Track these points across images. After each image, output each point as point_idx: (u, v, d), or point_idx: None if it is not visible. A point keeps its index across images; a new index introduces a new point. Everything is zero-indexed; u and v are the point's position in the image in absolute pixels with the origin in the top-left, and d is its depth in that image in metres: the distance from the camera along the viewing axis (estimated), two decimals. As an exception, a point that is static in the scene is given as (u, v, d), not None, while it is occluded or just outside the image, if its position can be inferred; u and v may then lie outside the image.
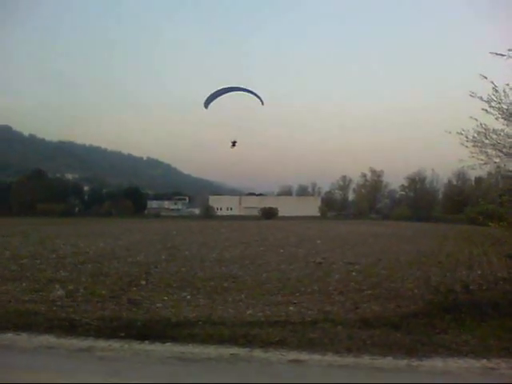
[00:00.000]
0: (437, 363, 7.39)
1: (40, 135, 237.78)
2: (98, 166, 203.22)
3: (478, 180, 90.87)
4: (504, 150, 11.89)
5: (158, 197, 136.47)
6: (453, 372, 7.10)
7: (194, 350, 8.03)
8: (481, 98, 11.72)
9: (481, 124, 11.86)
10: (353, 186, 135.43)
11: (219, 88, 16.67)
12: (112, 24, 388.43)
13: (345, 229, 54.25)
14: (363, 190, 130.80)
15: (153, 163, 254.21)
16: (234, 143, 18.10)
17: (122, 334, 8.77)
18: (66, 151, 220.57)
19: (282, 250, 26.12)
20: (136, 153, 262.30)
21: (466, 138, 11.98)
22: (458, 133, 12.04)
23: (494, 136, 11.87)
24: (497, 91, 11.58)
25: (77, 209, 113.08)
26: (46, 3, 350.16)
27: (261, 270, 17.89)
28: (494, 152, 11.99)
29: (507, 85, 11.44)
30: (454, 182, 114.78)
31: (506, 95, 11.57)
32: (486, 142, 11.93)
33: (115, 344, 8.31)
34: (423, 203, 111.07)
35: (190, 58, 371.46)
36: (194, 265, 19.23)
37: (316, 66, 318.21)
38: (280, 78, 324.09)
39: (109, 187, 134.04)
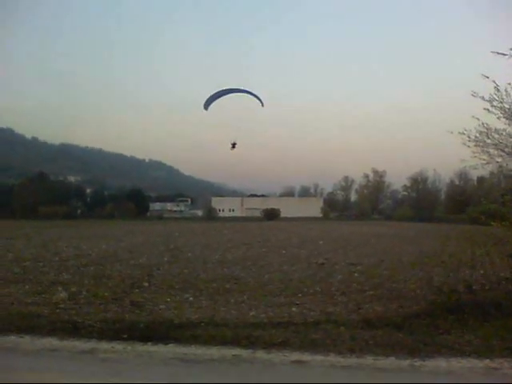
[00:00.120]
0: (440, 363, 7.38)
1: (42, 138, 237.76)
2: (101, 168, 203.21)
3: (480, 180, 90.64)
4: (506, 149, 11.87)
5: (161, 199, 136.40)
6: (456, 372, 7.09)
7: (197, 351, 8.03)
8: (482, 98, 11.70)
9: (483, 123, 11.84)
10: (355, 186, 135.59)
11: (219, 90, 16.67)
12: (112, 24, 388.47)
13: (347, 229, 54.23)
14: (365, 191, 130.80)
15: (155, 165, 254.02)
16: (233, 145, 18.03)
17: (125, 336, 8.78)
18: (68, 154, 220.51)
19: (284, 251, 26.13)
20: (138, 155, 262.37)
21: (468, 137, 11.96)
22: (459, 132, 12.02)
23: (496, 135, 11.86)
24: (498, 90, 11.56)
25: (79, 211, 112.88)
26: (47, 3, 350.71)
27: (263, 272, 17.89)
28: (496, 152, 11.98)
29: (509, 84, 11.42)
30: (456, 182, 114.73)
31: (508, 94, 11.55)
32: (488, 141, 11.91)
33: (118, 346, 8.31)
34: (425, 203, 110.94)
35: (190, 58, 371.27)
36: (197, 266, 19.25)
37: (316, 66, 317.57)
38: (280, 78, 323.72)
39: (111, 189, 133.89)
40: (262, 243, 32.49)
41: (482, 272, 17.50)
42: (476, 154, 12.04)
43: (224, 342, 8.39)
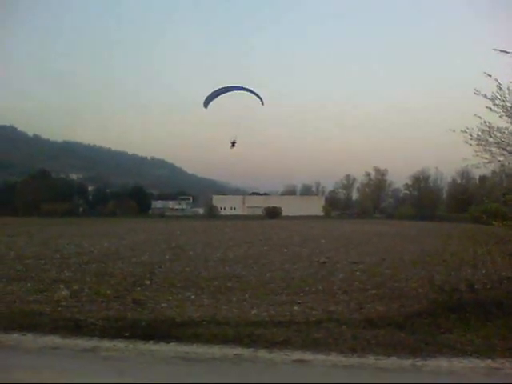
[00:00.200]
0: (441, 363, 7.37)
1: (44, 135, 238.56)
2: (103, 166, 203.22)
3: (482, 179, 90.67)
4: (508, 148, 11.86)
5: (163, 197, 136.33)
6: (457, 372, 7.08)
7: (199, 349, 8.03)
8: (485, 96, 11.70)
9: (485, 122, 11.83)
10: (357, 185, 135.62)
11: (218, 87, 16.65)
12: (112, 24, 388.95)
13: (349, 228, 54.23)
14: (367, 189, 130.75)
15: (157, 163, 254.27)
16: (233, 143, 17.96)
17: (127, 334, 8.78)
18: (71, 151, 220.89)
19: (285, 250, 26.13)
20: (140, 152, 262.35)
21: (470, 136, 11.96)
22: (462, 131, 12.02)
23: (499, 134, 11.84)
24: (501, 89, 11.55)
25: (81, 209, 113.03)
26: (47, 3, 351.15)
27: (265, 270, 17.89)
28: (498, 150, 11.97)
29: (511, 82, 11.42)
30: (458, 181, 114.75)
31: (511, 93, 11.54)
32: (490, 140, 11.90)
33: (120, 344, 8.32)
34: (427, 202, 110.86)
35: (190, 58, 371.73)
36: (198, 264, 19.25)
37: (316, 66, 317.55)
38: (280, 78, 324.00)
39: (113, 187, 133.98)
40: (264, 241, 32.51)
41: (483, 271, 17.47)
42: (478, 153, 12.04)
43: (226, 341, 8.39)
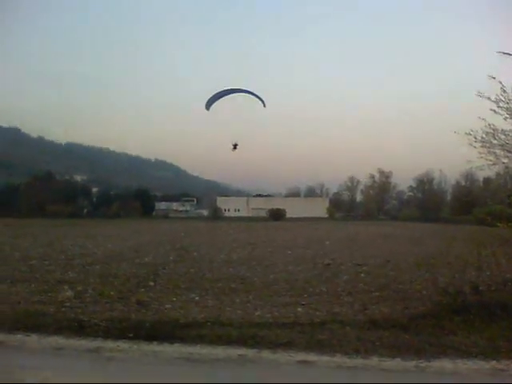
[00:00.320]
0: (445, 364, 7.37)
1: (48, 137, 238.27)
2: (107, 168, 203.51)
3: (487, 181, 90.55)
4: (513, 150, 11.85)
5: (167, 198, 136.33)
6: (462, 373, 7.08)
7: (202, 350, 8.05)
8: (489, 99, 11.69)
9: (489, 124, 11.83)
10: (361, 187, 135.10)
11: (221, 90, 16.66)
12: (116, 24, 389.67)
13: (353, 230, 54.14)
14: (371, 191, 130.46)
15: (161, 165, 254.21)
16: (235, 146, 17.87)
17: (131, 335, 8.80)
18: (75, 153, 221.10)
19: (289, 252, 26.09)
20: (144, 154, 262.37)
21: (475, 138, 11.95)
22: (466, 133, 12.01)
23: (503, 136, 11.83)
24: (505, 91, 11.54)
25: (85, 210, 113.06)
26: (50, 3, 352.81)
27: (269, 271, 17.88)
28: (502, 152, 11.96)
29: (516, 85, 11.41)
30: (463, 183, 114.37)
31: (515, 95, 11.53)
32: (495, 142, 11.89)
33: (124, 345, 8.34)
34: (431, 204, 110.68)
35: (191, 58, 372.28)
36: (202, 266, 19.26)
37: (317, 66, 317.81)
38: (280, 78, 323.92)
39: (117, 189, 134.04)
40: (268, 243, 32.48)
41: (488, 273, 17.43)
42: (482, 155, 12.03)
43: (229, 342, 8.41)
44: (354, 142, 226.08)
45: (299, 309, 11.46)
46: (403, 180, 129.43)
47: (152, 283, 15.00)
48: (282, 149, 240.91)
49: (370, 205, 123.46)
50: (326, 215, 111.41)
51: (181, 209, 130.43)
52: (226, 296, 13.13)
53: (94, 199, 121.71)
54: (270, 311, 11.15)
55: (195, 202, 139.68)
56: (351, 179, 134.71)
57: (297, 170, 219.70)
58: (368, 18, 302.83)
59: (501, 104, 11.61)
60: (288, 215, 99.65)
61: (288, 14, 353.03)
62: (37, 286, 14.37)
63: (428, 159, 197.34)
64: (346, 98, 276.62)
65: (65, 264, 19.36)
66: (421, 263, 20.60)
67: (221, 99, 16.66)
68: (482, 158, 12.04)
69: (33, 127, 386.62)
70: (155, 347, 8.25)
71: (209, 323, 9.69)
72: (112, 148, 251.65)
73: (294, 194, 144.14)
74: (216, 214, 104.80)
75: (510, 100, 11.55)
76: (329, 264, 20.26)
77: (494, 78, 11.48)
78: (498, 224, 12.49)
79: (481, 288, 12.31)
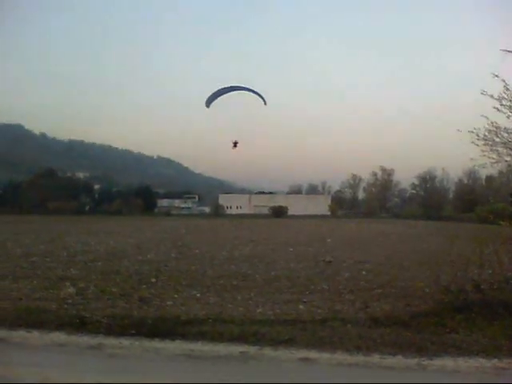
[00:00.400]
0: (447, 362, 7.36)
1: (51, 134, 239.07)
2: (109, 165, 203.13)
3: (489, 179, 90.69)
4: (515, 148, 11.82)
5: (169, 195, 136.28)
6: (463, 371, 7.06)
7: (204, 347, 8.05)
8: (492, 96, 11.65)
9: (492, 122, 11.79)
10: (363, 184, 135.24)
11: (221, 87, 16.61)
12: (118, 23, 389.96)
13: (355, 227, 54.18)
14: (373, 189, 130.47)
15: (163, 162, 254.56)
16: (235, 144, 17.81)
17: (133, 332, 8.81)
18: (77, 150, 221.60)
19: (291, 249, 26.12)
20: (146, 151, 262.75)
21: (477, 136, 11.91)
22: (469, 131, 11.97)
23: (506, 134, 11.80)
24: (508, 89, 11.50)
25: (87, 207, 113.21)
26: (50, 3, 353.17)
27: (270, 269, 17.88)
28: (505, 150, 11.92)
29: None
30: (465, 181, 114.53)
31: (518, 93, 11.49)
32: (497, 140, 11.86)
33: (125, 341, 8.34)
34: (433, 202, 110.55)
35: (190, 58, 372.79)
36: (204, 263, 19.28)
37: (319, 66, 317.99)
38: (281, 78, 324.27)
39: (119, 186, 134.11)
40: (269, 240, 32.50)
41: (490, 271, 17.40)
42: (485, 153, 12.00)
43: (231, 339, 8.41)
44: (356, 139, 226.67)
45: (301, 306, 11.46)
46: (405, 178, 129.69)
47: (154, 280, 15.00)
48: (284, 147, 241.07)
49: (372, 202, 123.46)
50: (328, 213, 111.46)
51: (183, 206, 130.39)
52: (228, 293, 13.13)
53: (96, 196, 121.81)
54: (272, 308, 11.15)
55: (197, 199, 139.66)
56: (353, 177, 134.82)
57: (299, 167, 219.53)
58: (368, 17, 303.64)
59: (504, 102, 11.58)
60: (290, 213, 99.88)
61: (288, 13, 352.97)
62: (39, 282, 14.38)
63: (430, 157, 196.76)
64: (347, 96, 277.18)
65: (67, 261, 19.39)
66: (423, 261, 20.58)
67: (221, 97, 16.62)
68: (484, 155, 12.01)
69: (36, 124, 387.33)
70: (157, 344, 8.25)
71: (210, 320, 9.69)
72: (114, 145, 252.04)
73: (296, 191, 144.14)
74: (218, 211, 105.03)
75: (512, 98, 11.52)
76: (330, 261, 20.26)
77: (497, 75, 11.45)
78: (501, 222, 12.48)
79: (483, 286, 12.28)
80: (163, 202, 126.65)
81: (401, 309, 11.02)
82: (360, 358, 7.53)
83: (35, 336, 8.67)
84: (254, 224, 60.92)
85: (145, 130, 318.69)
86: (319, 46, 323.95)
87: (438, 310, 10.35)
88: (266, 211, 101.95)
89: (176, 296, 12.59)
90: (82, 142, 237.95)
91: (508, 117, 11.66)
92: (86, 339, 8.50)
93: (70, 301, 11.65)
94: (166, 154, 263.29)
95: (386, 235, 39.96)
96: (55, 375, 6.65)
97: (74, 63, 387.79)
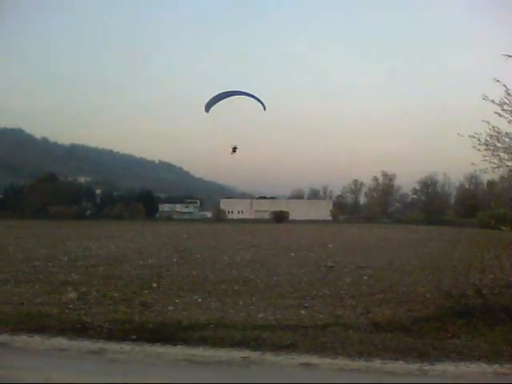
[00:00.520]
0: (448, 367, 7.36)
1: (52, 138, 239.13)
2: (110, 169, 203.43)
3: (491, 184, 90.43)
4: (516, 153, 11.83)
5: (170, 200, 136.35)
6: (464, 376, 7.06)
7: (205, 352, 8.06)
8: (493, 102, 11.68)
9: (493, 127, 11.82)
10: (364, 189, 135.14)
11: (220, 92, 16.62)
12: (120, 25, 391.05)
13: (356, 232, 54.12)
14: (375, 194, 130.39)
15: (165, 167, 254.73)
16: (234, 149, 17.76)
17: (134, 337, 8.82)
18: (78, 154, 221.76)
19: (293, 254, 26.08)
20: (148, 156, 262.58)
21: (479, 141, 11.95)
22: (470, 136, 12.00)
23: (507, 139, 11.83)
24: (509, 94, 11.53)
25: (89, 212, 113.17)
26: (50, 3, 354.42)
27: (272, 274, 17.86)
28: (506, 155, 11.95)
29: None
30: (466, 186, 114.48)
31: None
32: (499, 145, 11.89)
33: (126, 346, 8.35)
34: (435, 207, 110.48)
35: (190, 58, 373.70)
36: (206, 268, 19.27)
37: (320, 67, 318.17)
38: (281, 78, 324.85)
39: (121, 190, 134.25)
40: (271, 246, 32.48)
41: (491, 276, 17.41)
42: (486, 158, 12.03)
43: (232, 344, 8.41)
44: (356, 142, 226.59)
45: (302, 311, 11.45)
46: (407, 183, 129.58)
47: (155, 285, 14.99)
48: (285, 151, 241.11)
49: (373, 207, 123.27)
50: (330, 218, 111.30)
51: (184, 211, 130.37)
52: (229, 298, 13.13)
53: (98, 201, 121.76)
54: (273, 313, 11.15)
55: (199, 203, 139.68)
56: (355, 182, 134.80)
57: (300, 172, 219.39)
58: (368, 17, 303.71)
59: (505, 107, 11.62)
60: (291, 217, 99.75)
61: (288, 13, 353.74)
62: (40, 287, 14.39)
63: (432, 162, 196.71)
64: (347, 96, 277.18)
65: (68, 265, 19.40)
66: (424, 266, 20.57)
67: (220, 102, 16.62)
68: (485, 160, 12.05)
69: (37, 129, 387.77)
70: (158, 349, 8.26)
71: (212, 325, 9.70)
72: (116, 150, 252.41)
73: (298, 196, 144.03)
74: (219, 216, 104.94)
75: (514, 103, 11.54)
76: (332, 267, 20.23)
77: (499, 80, 11.48)
78: (502, 227, 12.53)
79: (484, 291, 12.28)
80: (165, 207, 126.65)
81: (402, 314, 11.02)
82: (361, 364, 7.53)
83: (37, 341, 8.69)
84: (255, 229, 60.87)
85: (145, 131, 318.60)
86: (319, 46, 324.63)
87: (439, 315, 10.34)
88: (267, 216, 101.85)
89: (177, 301, 12.59)
90: (83, 147, 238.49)
91: (509, 122, 11.70)
92: (87, 344, 8.52)
93: (71, 306, 11.67)
94: (166, 159, 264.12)
95: (388, 240, 39.89)
96: (56, 380, 6.66)
97: (74, 63, 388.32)
